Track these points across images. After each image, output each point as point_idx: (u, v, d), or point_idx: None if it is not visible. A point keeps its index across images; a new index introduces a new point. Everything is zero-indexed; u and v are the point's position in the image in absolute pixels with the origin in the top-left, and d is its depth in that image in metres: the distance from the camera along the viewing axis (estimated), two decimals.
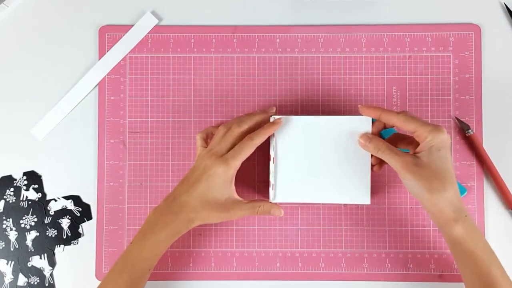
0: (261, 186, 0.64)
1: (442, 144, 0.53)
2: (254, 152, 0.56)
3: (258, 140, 0.57)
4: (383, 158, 0.55)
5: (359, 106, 0.57)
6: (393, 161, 0.54)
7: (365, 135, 0.57)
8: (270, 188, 0.59)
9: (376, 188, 0.64)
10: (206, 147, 0.59)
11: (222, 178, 0.56)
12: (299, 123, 0.59)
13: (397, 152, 0.54)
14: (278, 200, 0.58)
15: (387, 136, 0.61)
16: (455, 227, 0.53)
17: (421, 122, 0.54)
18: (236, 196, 0.58)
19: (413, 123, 0.54)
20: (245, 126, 0.58)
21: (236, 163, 0.56)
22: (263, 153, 0.64)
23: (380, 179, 0.64)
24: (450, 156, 0.54)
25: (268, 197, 0.62)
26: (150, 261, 0.57)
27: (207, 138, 0.61)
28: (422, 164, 0.53)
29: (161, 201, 0.58)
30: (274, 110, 0.62)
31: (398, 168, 0.54)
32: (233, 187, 0.57)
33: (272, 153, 0.59)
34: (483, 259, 0.53)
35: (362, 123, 0.58)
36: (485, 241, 0.54)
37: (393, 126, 0.56)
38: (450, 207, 0.53)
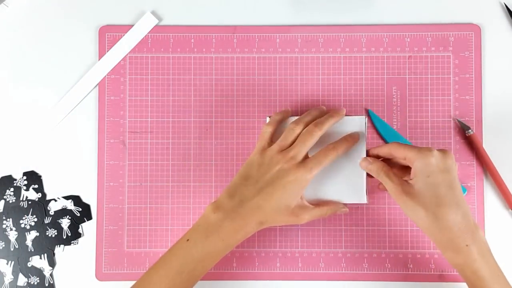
0: None
1: (430, 168, 0.50)
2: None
3: (342, 153, 0.55)
4: (381, 181, 0.55)
5: (362, 160, 0.56)
6: (387, 187, 0.54)
7: (366, 160, 0.56)
8: None
9: (376, 188, 0.63)
10: (271, 143, 0.56)
11: (301, 187, 0.53)
12: None
13: (393, 178, 0.53)
14: None
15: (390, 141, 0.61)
16: (453, 257, 0.51)
17: (409, 147, 0.52)
18: (304, 201, 0.56)
19: (401, 149, 0.53)
20: (324, 130, 0.56)
21: (317, 172, 0.54)
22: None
23: None
24: (446, 179, 0.51)
25: None
26: (212, 264, 0.54)
27: (274, 132, 0.58)
28: (412, 192, 0.51)
29: (222, 198, 0.55)
30: (345, 112, 0.59)
31: (391, 195, 0.53)
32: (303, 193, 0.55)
33: None
34: None
35: (357, 124, 0.58)
36: (490, 272, 0.51)
37: (389, 158, 0.56)
38: (445, 236, 0.51)
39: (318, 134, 0.55)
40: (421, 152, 0.51)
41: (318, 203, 0.57)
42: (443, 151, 0.52)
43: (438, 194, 0.50)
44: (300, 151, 0.54)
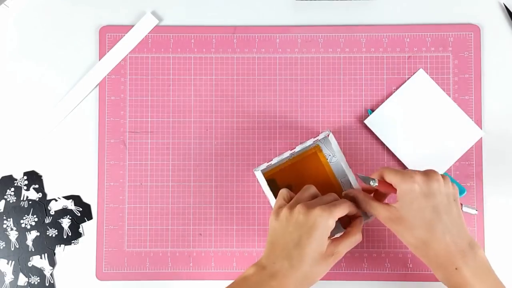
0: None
1: (413, 194, 0.50)
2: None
3: (353, 209, 0.54)
4: (370, 210, 0.54)
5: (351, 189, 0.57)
6: (375, 213, 0.53)
7: (347, 193, 0.56)
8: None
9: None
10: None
11: (324, 231, 0.51)
12: None
13: (378, 204, 0.53)
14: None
15: None
16: (444, 279, 0.51)
17: (394, 172, 0.52)
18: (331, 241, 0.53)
19: (389, 175, 0.52)
20: (352, 208, 0.54)
21: (338, 215, 0.51)
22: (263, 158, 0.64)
23: None
24: (430, 204, 0.50)
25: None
26: None
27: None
28: (398, 217, 0.51)
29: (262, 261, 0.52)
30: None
31: (381, 221, 0.53)
32: None
33: None
34: None
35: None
36: None
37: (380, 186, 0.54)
38: (433, 260, 0.51)
39: (346, 203, 0.53)
40: (404, 178, 0.51)
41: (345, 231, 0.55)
42: (427, 174, 0.51)
43: (423, 220, 0.50)
44: (321, 202, 0.53)
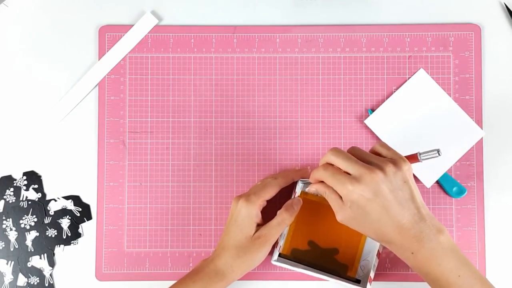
0: None
1: (357, 201, 0.49)
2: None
3: (281, 180, 0.59)
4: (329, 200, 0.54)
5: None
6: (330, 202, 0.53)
7: (312, 186, 0.55)
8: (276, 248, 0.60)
9: None
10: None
11: (247, 215, 0.57)
12: None
13: (331, 196, 0.52)
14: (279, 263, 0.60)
15: None
16: (406, 261, 0.51)
17: (331, 179, 0.50)
18: (260, 227, 0.58)
19: (328, 179, 0.51)
20: (279, 178, 0.59)
21: (258, 200, 0.57)
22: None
23: None
24: (374, 205, 0.49)
25: None
26: None
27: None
28: (351, 217, 0.51)
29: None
30: (309, 170, 0.61)
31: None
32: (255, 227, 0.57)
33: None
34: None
35: None
36: (443, 274, 0.49)
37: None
38: (390, 248, 0.51)
39: (270, 180, 0.59)
40: (338, 185, 0.50)
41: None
42: (360, 178, 0.49)
43: (371, 221, 0.50)
44: (250, 191, 0.58)
